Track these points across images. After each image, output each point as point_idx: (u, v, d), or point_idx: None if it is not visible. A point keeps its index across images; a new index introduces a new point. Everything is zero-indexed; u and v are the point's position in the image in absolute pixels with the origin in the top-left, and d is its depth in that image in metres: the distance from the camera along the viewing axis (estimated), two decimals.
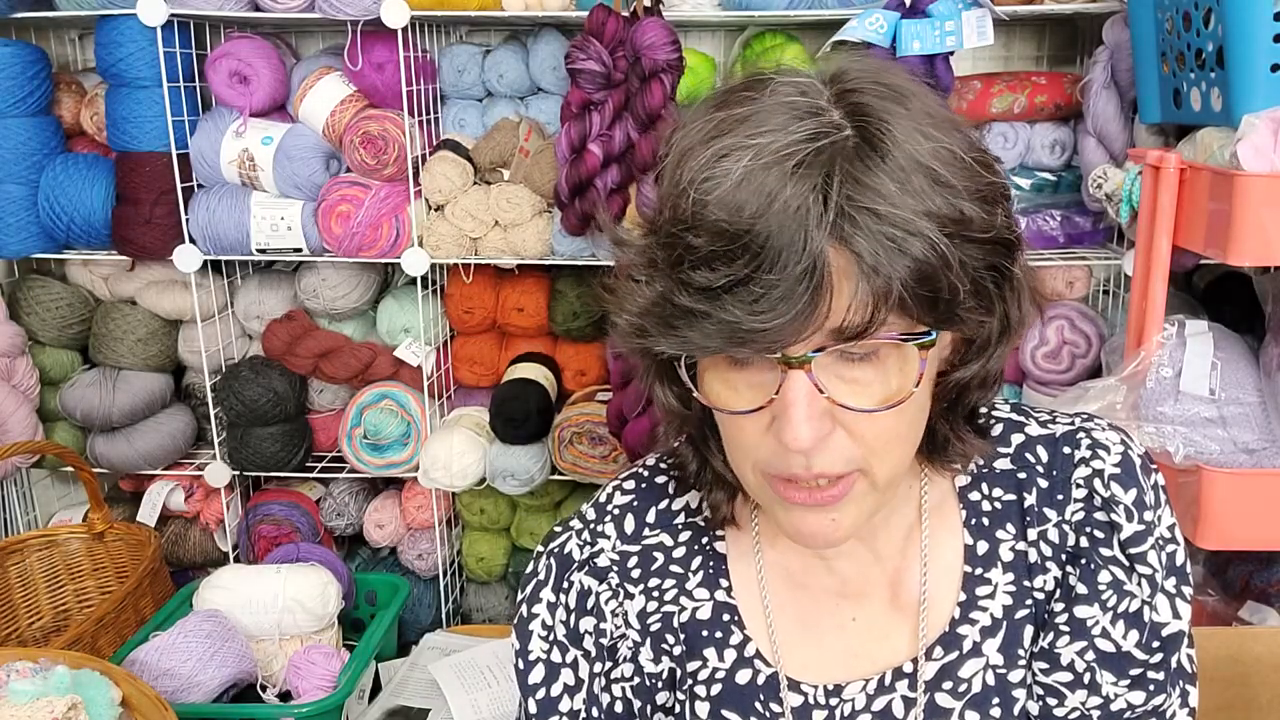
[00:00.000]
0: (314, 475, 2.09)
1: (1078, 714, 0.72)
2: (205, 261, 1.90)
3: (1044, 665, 0.72)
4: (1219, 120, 1.33)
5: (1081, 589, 0.71)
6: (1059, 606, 0.72)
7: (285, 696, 1.65)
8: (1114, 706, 0.71)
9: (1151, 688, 0.71)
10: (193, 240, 1.88)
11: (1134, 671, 0.71)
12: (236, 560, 2.07)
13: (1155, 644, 0.71)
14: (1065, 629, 0.71)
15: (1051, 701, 0.72)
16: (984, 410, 0.74)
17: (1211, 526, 1.32)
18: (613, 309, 0.66)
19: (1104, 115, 1.73)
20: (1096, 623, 0.71)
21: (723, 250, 0.56)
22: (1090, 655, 0.71)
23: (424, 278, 1.89)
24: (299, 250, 1.91)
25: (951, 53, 1.65)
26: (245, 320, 2.07)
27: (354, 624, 1.92)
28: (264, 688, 1.65)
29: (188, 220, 1.88)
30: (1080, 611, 0.71)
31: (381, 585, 1.95)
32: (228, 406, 1.98)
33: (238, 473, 2.03)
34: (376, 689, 1.78)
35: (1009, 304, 0.64)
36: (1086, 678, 0.71)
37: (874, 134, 0.57)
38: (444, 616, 2.13)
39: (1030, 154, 1.85)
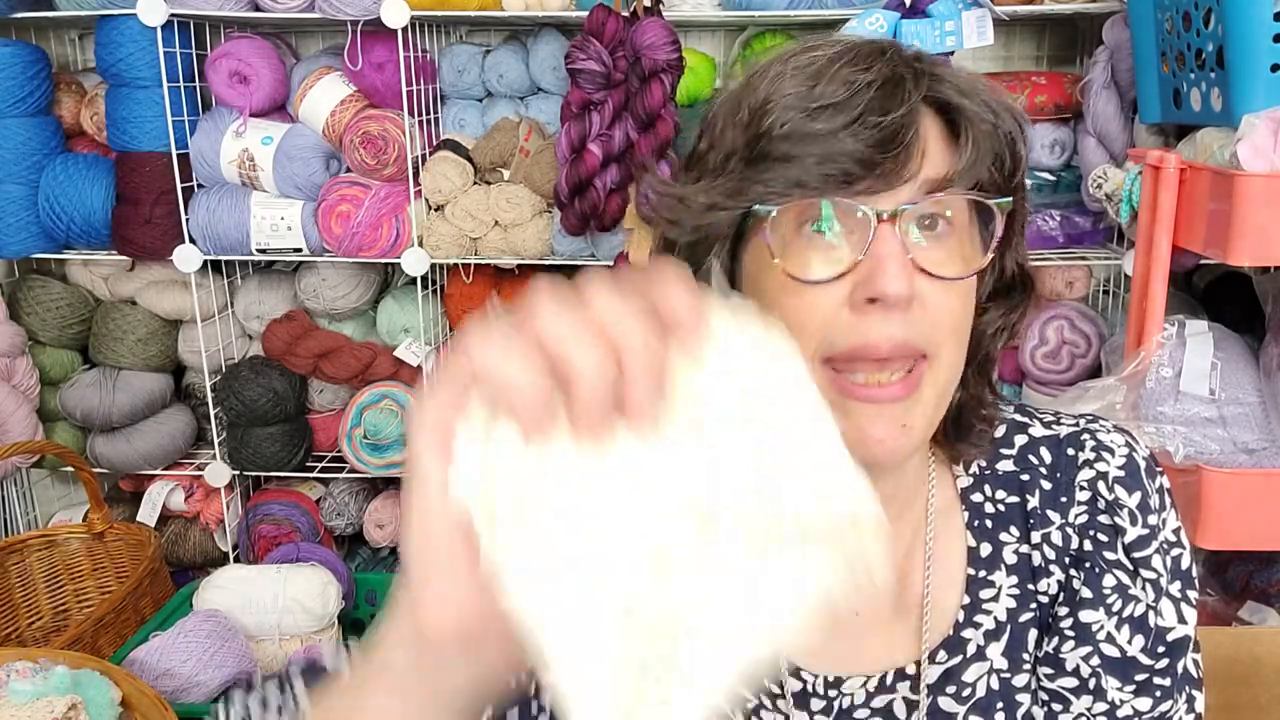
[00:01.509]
0: (314, 475, 2.09)
1: None
2: (205, 261, 1.90)
3: (1049, 670, 0.71)
4: (1219, 120, 1.33)
5: (1086, 593, 0.71)
6: (1063, 611, 0.72)
7: None
8: (1120, 713, 0.71)
9: (1158, 694, 0.71)
10: (193, 240, 1.88)
11: (1139, 677, 0.71)
12: (236, 560, 2.07)
13: (1160, 649, 0.71)
14: (1070, 633, 0.71)
15: (1057, 707, 0.71)
16: (992, 401, 0.74)
17: (1211, 526, 1.32)
18: (668, 228, 0.67)
19: (1104, 115, 1.73)
20: (1101, 627, 0.71)
21: (822, 106, 0.59)
22: (1095, 660, 0.70)
23: (424, 278, 1.89)
24: (299, 250, 1.91)
25: (951, 53, 1.65)
26: (245, 320, 2.07)
27: (354, 624, 1.92)
28: None
29: (188, 220, 1.88)
30: (1085, 616, 0.71)
31: (381, 585, 1.95)
32: (228, 406, 1.98)
33: (238, 473, 2.03)
34: None
35: (1019, 246, 0.69)
36: (1091, 683, 0.71)
37: (939, 73, 0.63)
38: None
39: (1030, 154, 1.85)
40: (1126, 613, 0.71)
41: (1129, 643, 0.70)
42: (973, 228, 0.64)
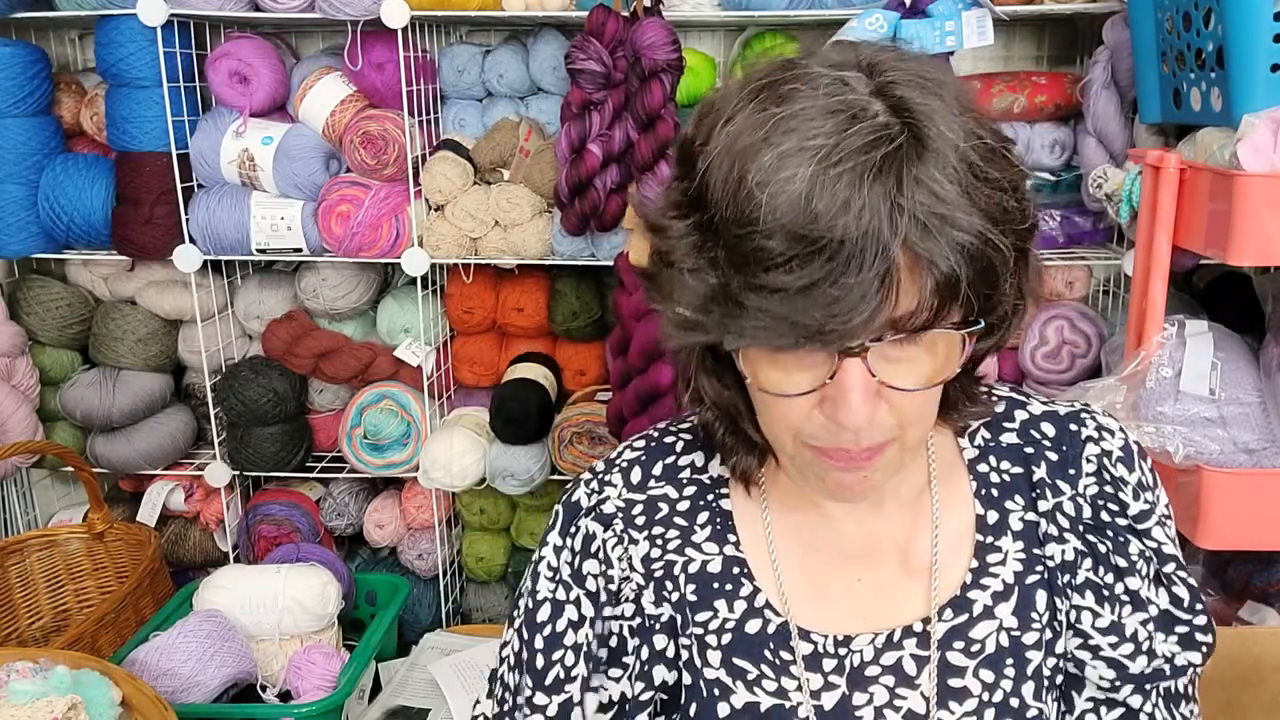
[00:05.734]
0: (314, 475, 2.09)
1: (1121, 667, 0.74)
2: (205, 261, 1.90)
3: (1113, 639, 0.75)
4: (1219, 120, 1.33)
5: (1121, 562, 0.75)
6: (1110, 578, 0.75)
7: (285, 696, 1.65)
8: (1156, 656, 0.75)
9: (1188, 641, 0.76)
10: (193, 240, 1.88)
11: (1181, 629, 0.75)
12: (236, 560, 2.07)
13: (1184, 604, 0.76)
14: (1125, 599, 0.75)
15: (1081, 654, 0.75)
16: (984, 388, 0.78)
17: (1211, 526, 1.32)
18: (657, 301, 0.68)
19: (1104, 115, 1.73)
20: (1140, 591, 0.75)
21: (802, 253, 0.57)
22: (1150, 626, 0.75)
23: (424, 278, 1.89)
24: (299, 250, 1.91)
25: (951, 53, 1.65)
26: (245, 320, 2.07)
27: (354, 624, 1.91)
28: (264, 688, 1.65)
29: (188, 220, 1.88)
30: (1132, 584, 0.75)
31: (381, 585, 1.95)
32: (228, 406, 1.98)
33: (238, 473, 2.03)
34: (376, 689, 1.78)
35: (1024, 281, 0.68)
36: (1145, 645, 0.75)
37: (924, 134, 0.59)
38: (444, 616, 2.13)
39: (1030, 154, 1.85)
40: (1150, 573, 0.76)
41: (1160, 599, 0.76)
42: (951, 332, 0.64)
